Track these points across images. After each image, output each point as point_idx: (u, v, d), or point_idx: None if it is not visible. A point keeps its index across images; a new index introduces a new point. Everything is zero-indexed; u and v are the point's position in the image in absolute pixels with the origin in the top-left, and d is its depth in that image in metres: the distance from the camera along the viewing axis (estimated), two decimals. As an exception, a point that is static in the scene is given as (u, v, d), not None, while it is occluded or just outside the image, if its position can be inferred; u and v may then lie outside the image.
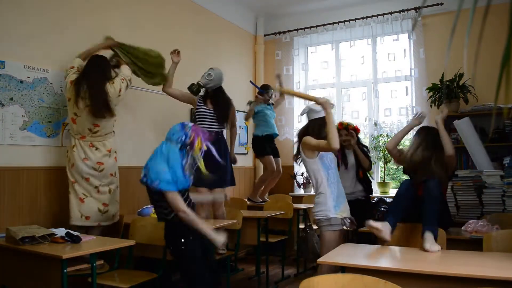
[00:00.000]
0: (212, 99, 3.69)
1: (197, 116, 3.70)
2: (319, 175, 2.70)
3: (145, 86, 3.86)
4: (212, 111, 3.65)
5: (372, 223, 2.41)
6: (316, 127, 2.75)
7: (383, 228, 2.39)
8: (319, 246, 3.02)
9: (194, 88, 3.63)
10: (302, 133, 2.81)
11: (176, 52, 3.67)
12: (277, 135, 4.71)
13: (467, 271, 1.71)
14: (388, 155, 4.97)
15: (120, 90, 3.02)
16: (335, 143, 2.52)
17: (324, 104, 2.63)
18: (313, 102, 2.74)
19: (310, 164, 2.74)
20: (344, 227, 2.70)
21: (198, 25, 4.82)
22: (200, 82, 3.63)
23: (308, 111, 2.83)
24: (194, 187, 3.59)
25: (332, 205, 2.65)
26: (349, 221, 2.70)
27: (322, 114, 2.72)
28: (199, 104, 3.69)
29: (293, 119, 5.57)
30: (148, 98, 4.03)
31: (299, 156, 2.81)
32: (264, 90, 4.58)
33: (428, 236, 2.29)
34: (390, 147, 3.01)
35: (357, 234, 3.19)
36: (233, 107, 3.83)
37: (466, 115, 4.39)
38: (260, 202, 4.67)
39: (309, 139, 2.69)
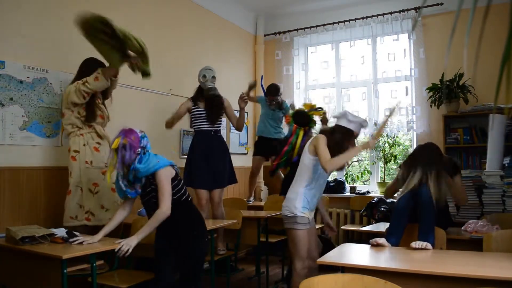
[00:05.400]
0: (206, 99, 3.66)
1: (192, 118, 3.72)
2: (306, 173, 2.62)
3: (145, 86, 3.86)
4: (204, 112, 3.64)
5: (378, 240, 2.38)
6: (338, 134, 2.60)
7: (387, 245, 2.38)
8: (319, 246, 3.03)
9: (211, 92, 3.62)
10: (323, 132, 2.68)
11: (242, 98, 3.74)
12: (266, 137, 4.71)
13: (467, 271, 1.71)
14: (388, 155, 4.98)
15: (70, 93, 2.85)
16: (330, 168, 2.47)
17: (366, 147, 2.54)
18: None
19: (306, 157, 2.64)
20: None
21: (198, 25, 4.82)
22: (210, 87, 3.63)
23: (342, 115, 2.67)
24: (194, 189, 3.60)
25: (300, 206, 2.60)
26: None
27: (351, 125, 2.62)
28: (192, 105, 3.68)
29: (293, 119, 5.57)
30: (148, 97, 4.03)
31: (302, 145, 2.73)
32: (268, 94, 4.63)
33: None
34: (391, 195, 3.06)
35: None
36: (226, 103, 3.77)
37: (466, 115, 4.40)
38: (249, 201, 4.79)
39: (322, 140, 2.55)
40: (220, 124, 3.74)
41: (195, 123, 3.68)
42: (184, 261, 2.46)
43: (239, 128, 3.85)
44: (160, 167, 2.34)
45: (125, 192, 2.38)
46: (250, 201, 4.86)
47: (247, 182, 5.08)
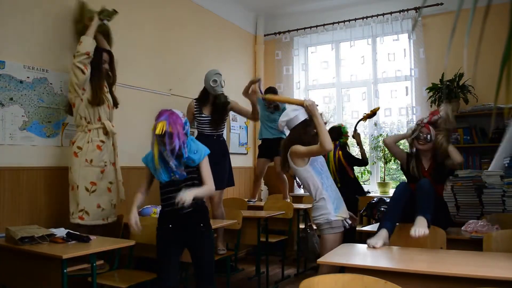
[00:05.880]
0: (212, 104, 3.68)
1: (196, 122, 3.76)
2: (313, 182, 2.64)
3: (146, 86, 3.86)
4: (208, 117, 3.67)
5: (373, 244, 2.34)
6: (300, 133, 2.66)
7: (384, 242, 2.37)
8: (319, 246, 3.02)
9: (223, 99, 3.65)
10: (288, 143, 2.72)
11: (252, 92, 3.88)
12: (268, 138, 4.73)
13: (467, 271, 1.71)
14: (388, 155, 4.97)
15: (70, 76, 2.91)
16: (328, 144, 2.49)
17: (310, 107, 2.58)
18: (294, 108, 2.70)
19: (301, 172, 2.66)
20: (345, 227, 2.68)
21: (198, 25, 4.82)
22: (222, 93, 3.66)
23: (288, 123, 2.73)
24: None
25: (332, 208, 2.60)
26: (349, 222, 2.68)
27: (301, 118, 2.67)
28: (196, 110, 3.71)
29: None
30: (148, 97, 4.03)
31: (287, 165, 2.73)
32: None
33: (419, 220, 2.33)
34: (389, 142, 3.08)
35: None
36: (232, 104, 3.78)
37: (466, 115, 4.40)
38: (250, 202, 4.78)
39: (298, 148, 2.61)
40: (224, 128, 3.79)
41: (199, 127, 3.74)
42: (198, 259, 2.44)
43: (255, 119, 3.98)
44: (207, 153, 2.41)
45: (174, 173, 2.31)
46: (252, 201, 4.84)
47: (247, 182, 5.08)
